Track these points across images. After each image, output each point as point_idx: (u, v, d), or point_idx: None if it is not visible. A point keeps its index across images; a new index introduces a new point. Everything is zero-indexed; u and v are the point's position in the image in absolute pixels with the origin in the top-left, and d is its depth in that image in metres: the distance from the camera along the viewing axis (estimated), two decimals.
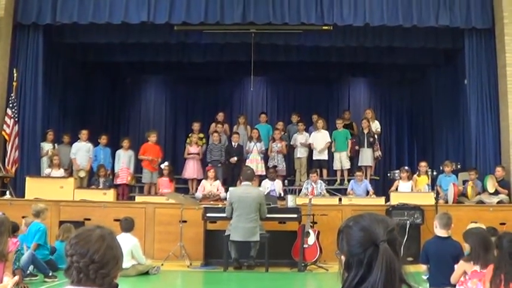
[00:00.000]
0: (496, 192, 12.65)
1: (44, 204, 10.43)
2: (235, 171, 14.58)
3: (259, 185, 13.82)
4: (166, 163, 14.57)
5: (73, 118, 16.51)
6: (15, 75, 13.43)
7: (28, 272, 9.05)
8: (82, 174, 14.27)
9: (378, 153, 15.59)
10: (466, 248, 6.29)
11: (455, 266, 6.33)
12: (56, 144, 14.50)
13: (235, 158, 14.89)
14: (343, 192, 14.43)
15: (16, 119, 13.30)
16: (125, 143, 14.88)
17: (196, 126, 15.92)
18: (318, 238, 11.11)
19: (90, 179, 14.31)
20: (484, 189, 12.82)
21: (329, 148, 15.49)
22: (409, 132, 19.06)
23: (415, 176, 13.73)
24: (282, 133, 15.83)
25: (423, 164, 13.96)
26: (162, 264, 10.71)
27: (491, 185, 12.71)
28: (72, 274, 2.38)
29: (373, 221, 2.25)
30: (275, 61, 16.54)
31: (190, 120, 17.41)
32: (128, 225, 10.00)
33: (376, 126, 15.96)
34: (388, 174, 14.88)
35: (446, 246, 6.89)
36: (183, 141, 16.70)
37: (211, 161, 15.02)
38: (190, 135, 15.91)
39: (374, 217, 2.28)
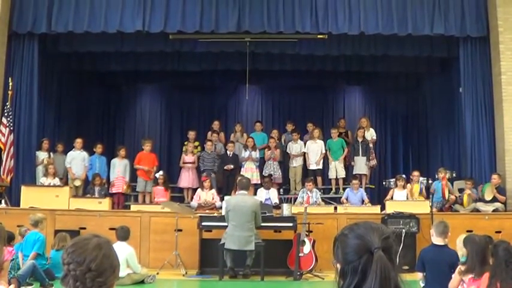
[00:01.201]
0: (492, 200, 12.66)
1: (40, 213, 10.41)
2: (230, 180, 14.56)
3: (255, 193, 13.79)
4: (161, 172, 14.55)
5: (68, 127, 16.55)
6: (10, 84, 13.39)
7: None
8: (77, 183, 14.24)
9: (374, 162, 15.59)
10: (463, 252, 6.28)
11: (452, 273, 6.32)
12: (51, 153, 14.48)
13: (231, 166, 14.87)
14: (339, 200, 14.40)
15: (11, 128, 13.26)
16: (122, 151, 14.82)
17: (191, 134, 15.86)
18: (313, 247, 11.09)
19: (86, 188, 14.25)
20: (481, 197, 12.82)
21: (324, 157, 15.47)
22: (404, 140, 19.12)
23: (408, 184, 13.71)
24: (277, 141, 15.80)
25: (416, 173, 13.97)
26: (158, 273, 10.65)
27: (489, 191, 12.72)
28: (69, 282, 2.37)
29: (368, 229, 2.26)
30: (270, 70, 16.58)
31: (185, 128, 17.42)
32: (123, 234, 9.96)
33: (371, 134, 15.97)
34: (384, 183, 14.90)
35: (443, 254, 6.89)
36: (179, 149, 16.69)
37: (203, 169, 14.96)
38: (185, 143, 15.89)
39: (369, 225, 2.29)
